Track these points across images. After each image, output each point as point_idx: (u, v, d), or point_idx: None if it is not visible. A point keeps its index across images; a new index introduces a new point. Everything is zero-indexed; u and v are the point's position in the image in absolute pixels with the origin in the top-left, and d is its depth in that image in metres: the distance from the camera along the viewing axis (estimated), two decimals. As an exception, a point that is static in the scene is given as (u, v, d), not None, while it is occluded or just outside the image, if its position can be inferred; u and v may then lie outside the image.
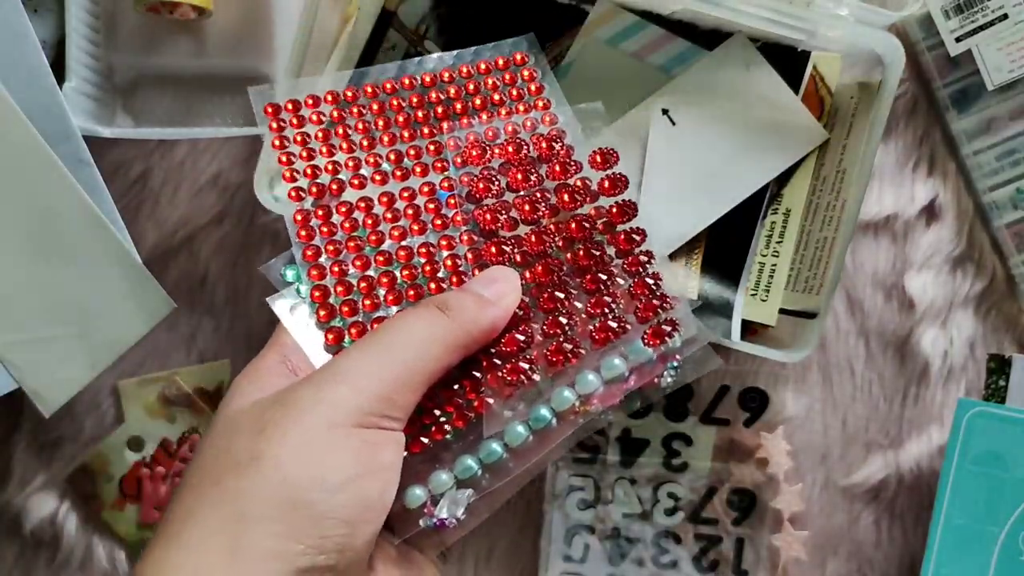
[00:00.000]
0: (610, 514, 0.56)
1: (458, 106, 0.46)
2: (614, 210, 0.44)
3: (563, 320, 0.42)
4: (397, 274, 0.43)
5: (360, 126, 0.45)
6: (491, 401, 0.40)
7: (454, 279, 0.43)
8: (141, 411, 0.57)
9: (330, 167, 0.44)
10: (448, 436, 0.41)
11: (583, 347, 0.41)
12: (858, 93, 0.52)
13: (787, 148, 0.52)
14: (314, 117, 0.45)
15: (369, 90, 0.46)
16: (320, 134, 0.45)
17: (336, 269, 0.43)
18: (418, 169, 0.45)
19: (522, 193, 0.44)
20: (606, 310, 0.42)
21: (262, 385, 0.39)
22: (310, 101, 0.45)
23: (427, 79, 0.46)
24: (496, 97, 0.46)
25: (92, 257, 0.49)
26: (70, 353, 0.49)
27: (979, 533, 0.49)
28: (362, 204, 0.44)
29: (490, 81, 0.47)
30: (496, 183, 0.44)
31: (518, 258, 0.43)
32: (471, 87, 0.46)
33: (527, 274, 0.42)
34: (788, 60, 0.53)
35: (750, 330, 0.53)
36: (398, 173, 0.45)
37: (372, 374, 0.37)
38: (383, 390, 0.37)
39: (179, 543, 0.35)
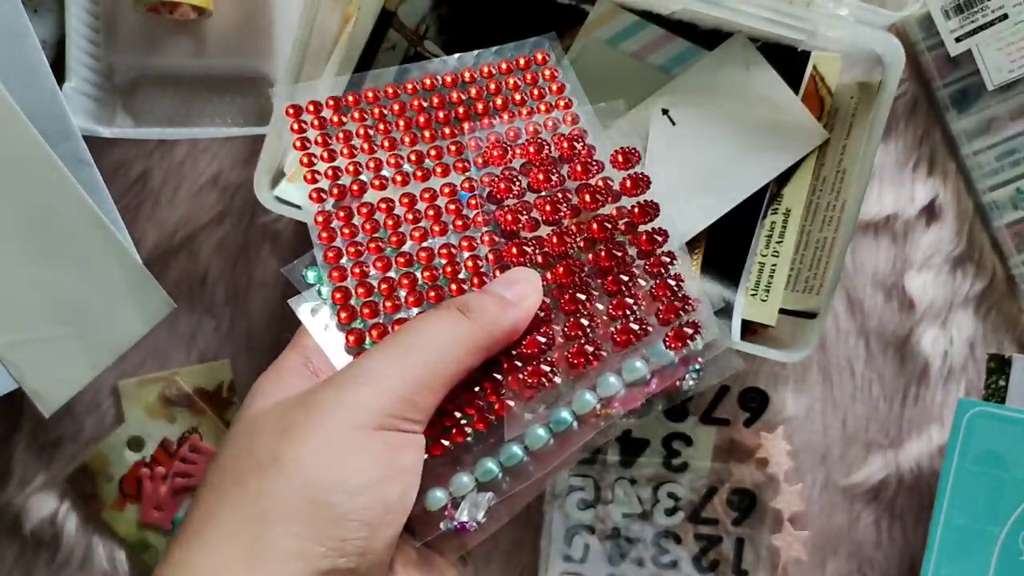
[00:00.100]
0: (610, 514, 0.56)
1: (479, 106, 0.46)
2: (636, 210, 0.43)
3: (584, 322, 0.41)
4: (418, 275, 0.43)
5: (381, 127, 0.45)
6: (512, 404, 0.40)
7: (475, 280, 0.42)
8: (141, 411, 0.57)
9: (351, 168, 0.44)
10: (469, 439, 0.40)
11: (604, 349, 0.41)
12: (858, 93, 0.52)
13: (787, 148, 0.52)
14: (335, 118, 0.45)
15: (390, 91, 0.46)
16: (341, 135, 0.45)
17: (357, 271, 0.43)
18: (439, 170, 0.45)
19: (543, 193, 0.43)
20: (628, 312, 0.41)
21: (284, 386, 0.39)
22: (331, 102, 0.45)
23: (448, 79, 0.46)
24: (517, 97, 0.46)
25: (92, 257, 0.49)
26: (70, 353, 0.49)
27: (979, 533, 0.49)
28: (383, 205, 0.44)
29: (511, 81, 0.46)
30: (517, 183, 0.43)
31: (539, 259, 0.42)
32: (492, 87, 0.46)
33: (548, 275, 0.42)
34: (788, 60, 0.52)
35: (750, 330, 0.52)
36: (419, 174, 0.44)
37: (393, 376, 0.37)
38: (404, 392, 0.37)
39: (200, 543, 0.35)
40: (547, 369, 0.40)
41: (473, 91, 0.46)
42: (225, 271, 0.57)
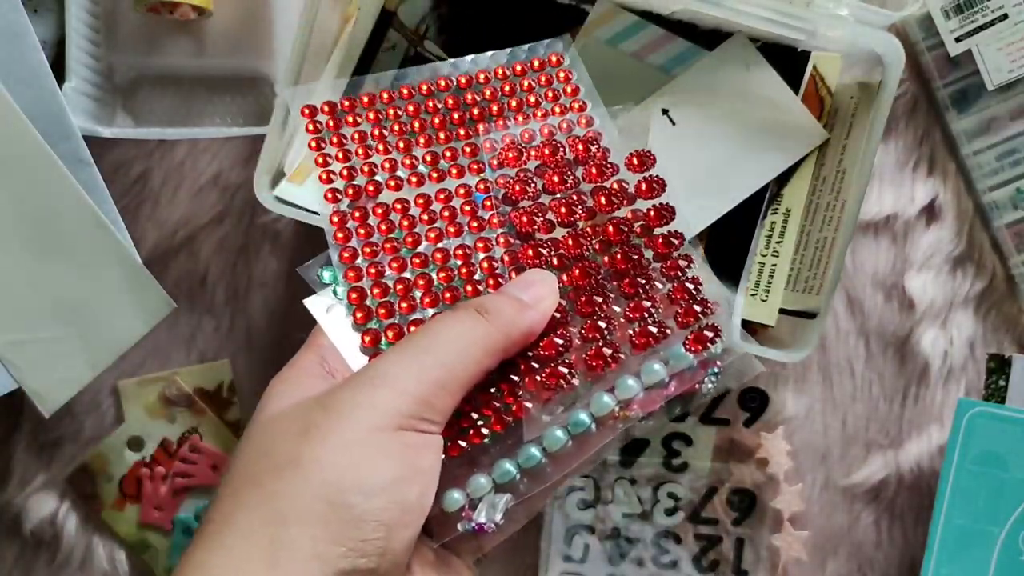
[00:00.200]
0: (610, 514, 0.56)
1: (494, 107, 0.46)
2: (651, 213, 0.43)
3: (602, 324, 0.41)
4: (433, 276, 0.43)
5: (396, 128, 0.45)
6: (529, 405, 0.40)
7: (490, 282, 0.42)
8: (141, 411, 0.57)
9: (366, 169, 0.44)
10: (486, 440, 0.40)
11: (622, 352, 0.41)
12: (858, 93, 0.52)
13: (787, 148, 0.52)
14: (350, 119, 0.45)
15: (405, 92, 0.46)
16: (356, 136, 0.45)
17: (372, 271, 0.43)
18: (454, 171, 0.45)
19: (558, 195, 0.43)
20: (645, 315, 0.41)
21: (300, 387, 0.39)
22: (346, 103, 0.45)
23: (463, 80, 0.46)
24: (532, 99, 0.46)
25: (92, 257, 0.49)
26: (70, 353, 0.49)
27: (979, 533, 0.49)
28: (398, 206, 0.44)
29: (526, 83, 0.46)
30: (532, 185, 0.43)
31: (555, 261, 0.42)
32: (507, 88, 0.46)
33: (564, 277, 0.42)
34: (788, 60, 0.52)
35: (750, 330, 0.52)
36: (434, 175, 0.44)
37: (411, 377, 0.37)
38: (422, 393, 0.37)
39: (219, 544, 0.35)
40: (565, 371, 0.40)
41: (488, 92, 0.46)
42: (225, 271, 0.57)
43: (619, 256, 0.42)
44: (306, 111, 0.45)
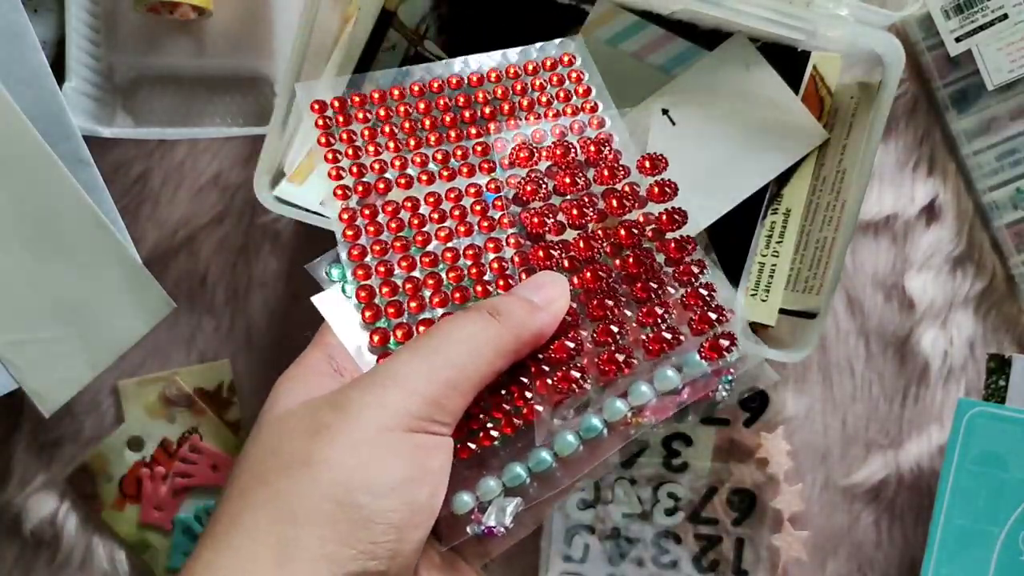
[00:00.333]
0: (610, 514, 0.56)
1: (505, 107, 0.46)
2: (663, 217, 0.43)
3: (614, 328, 0.41)
4: (443, 276, 0.42)
5: (406, 125, 0.45)
6: (540, 409, 0.40)
7: (500, 282, 0.42)
8: (141, 411, 0.57)
9: (376, 166, 0.44)
10: (496, 443, 0.40)
11: (635, 357, 0.41)
12: (858, 93, 0.52)
13: (787, 148, 0.52)
14: (360, 115, 0.45)
15: (416, 88, 0.46)
16: (366, 132, 0.45)
17: (382, 269, 0.42)
18: (465, 170, 0.44)
19: (569, 197, 0.43)
20: (658, 320, 0.41)
21: (308, 385, 0.39)
22: (356, 99, 0.45)
23: (474, 79, 0.46)
24: (543, 98, 0.46)
25: (92, 257, 0.49)
26: (70, 353, 0.49)
27: (979, 533, 0.49)
28: (408, 204, 0.43)
29: (538, 82, 0.46)
30: (543, 186, 0.43)
31: (566, 263, 0.42)
32: (518, 87, 0.46)
33: (575, 280, 0.42)
34: (788, 60, 0.52)
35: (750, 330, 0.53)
36: (444, 173, 0.44)
37: (421, 377, 0.37)
38: (432, 394, 0.37)
39: (227, 544, 0.35)
40: (577, 375, 0.40)
41: (499, 91, 0.46)
42: (225, 271, 0.57)
43: (631, 260, 0.42)
44: (315, 106, 0.45)
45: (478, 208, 0.44)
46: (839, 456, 0.57)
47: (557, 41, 0.47)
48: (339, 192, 0.43)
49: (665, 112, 0.52)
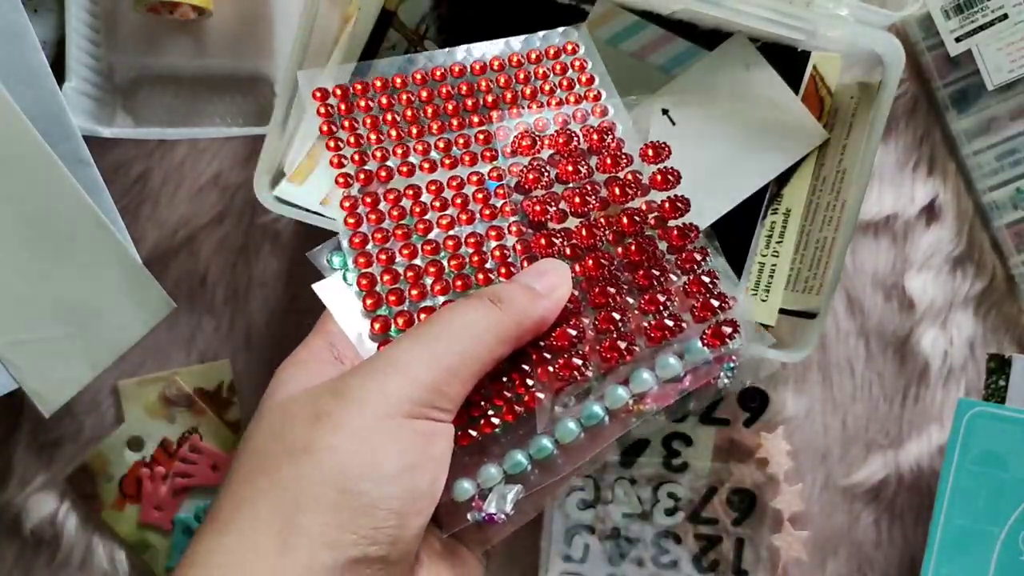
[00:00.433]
0: (610, 514, 0.56)
1: (508, 95, 0.46)
2: (666, 205, 0.43)
3: (616, 316, 0.41)
4: (445, 263, 0.43)
5: (409, 113, 0.45)
6: (542, 396, 0.40)
7: (502, 270, 0.42)
8: (141, 411, 0.57)
9: (378, 154, 0.44)
10: (497, 430, 0.40)
11: (637, 344, 0.41)
12: (858, 93, 0.52)
13: (787, 148, 0.52)
14: (362, 103, 0.45)
15: (419, 77, 0.46)
16: (368, 120, 0.45)
17: (383, 257, 0.42)
18: (467, 158, 0.44)
19: (572, 185, 0.43)
20: (660, 307, 0.41)
21: (309, 372, 0.39)
22: (359, 87, 0.45)
23: (476, 67, 0.46)
24: (546, 87, 0.46)
25: (92, 257, 0.49)
26: (70, 353, 0.49)
27: (979, 533, 0.49)
28: (410, 192, 0.43)
29: (540, 71, 0.46)
30: (546, 174, 0.43)
31: (568, 251, 0.42)
32: (521, 76, 0.46)
33: (577, 267, 0.42)
34: (788, 60, 0.52)
35: (750, 330, 0.53)
36: (447, 161, 0.44)
37: (423, 364, 0.37)
38: (433, 380, 0.37)
39: (230, 530, 0.35)
40: (579, 363, 0.40)
41: (502, 80, 0.46)
42: (225, 271, 0.57)
43: (633, 247, 0.42)
44: (317, 94, 0.45)
45: (480, 196, 0.44)
46: (839, 456, 0.57)
47: (560, 30, 0.47)
48: (341, 180, 0.43)
49: (665, 112, 0.52)
